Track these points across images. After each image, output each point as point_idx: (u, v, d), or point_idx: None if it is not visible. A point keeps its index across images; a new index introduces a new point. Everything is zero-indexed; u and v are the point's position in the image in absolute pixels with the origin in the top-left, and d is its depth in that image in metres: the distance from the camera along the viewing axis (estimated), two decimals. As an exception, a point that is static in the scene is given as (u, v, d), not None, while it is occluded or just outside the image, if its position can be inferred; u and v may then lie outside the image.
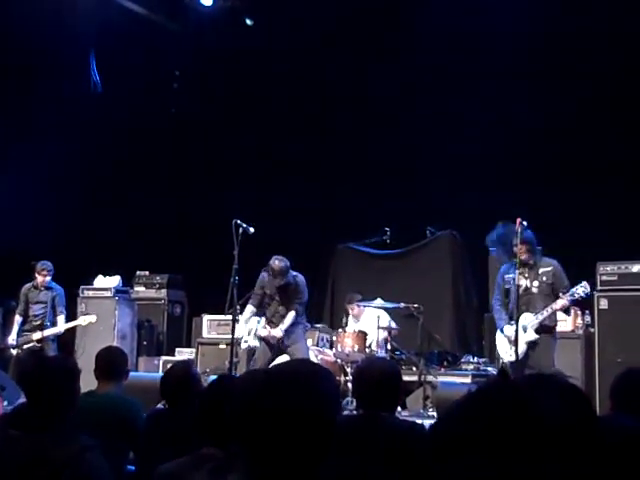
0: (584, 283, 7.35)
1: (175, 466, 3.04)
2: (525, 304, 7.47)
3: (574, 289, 7.33)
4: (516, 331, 7.23)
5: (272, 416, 1.85)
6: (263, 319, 8.78)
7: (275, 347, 8.60)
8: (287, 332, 8.55)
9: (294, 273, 8.60)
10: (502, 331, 7.68)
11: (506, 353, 7.67)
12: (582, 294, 7.33)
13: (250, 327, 8.94)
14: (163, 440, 3.79)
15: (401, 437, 3.53)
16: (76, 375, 3.63)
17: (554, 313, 7.49)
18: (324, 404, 1.92)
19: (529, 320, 7.41)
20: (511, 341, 7.52)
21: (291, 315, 8.54)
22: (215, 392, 3.24)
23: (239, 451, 1.92)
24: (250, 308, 8.76)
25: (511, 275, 7.62)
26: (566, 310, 7.57)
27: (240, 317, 8.64)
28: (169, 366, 4.96)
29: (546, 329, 7.48)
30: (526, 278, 7.51)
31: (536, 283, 7.52)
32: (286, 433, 1.85)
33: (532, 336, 7.41)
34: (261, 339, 8.71)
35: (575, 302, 7.63)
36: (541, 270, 7.55)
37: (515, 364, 7.40)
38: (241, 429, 1.90)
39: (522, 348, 7.41)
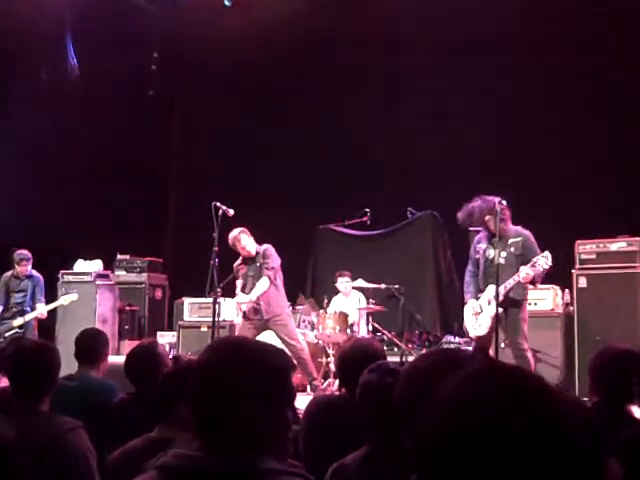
0: (546, 253, 7.19)
1: (127, 451, 3.08)
2: (492, 276, 7.26)
3: (536, 259, 7.15)
4: (496, 302, 7.12)
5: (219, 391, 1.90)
6: (240, 295, 8.76)
7: (256, 322, 8.57)
8: (266, 304, 8.52)
9: (259, 246, 8.68)
10: (467, 303, 7.59)
11: (472, 327, 7.57)
12: (544, 265, 7.13)
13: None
14: (130, 423, 3.79)
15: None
16: (53, 359, 3.64)
17: (520, 286, 7.30)
18: (268, 378, 1.94)
19: (492, 293, 7.24)
20: (476, 314, 7.49)
21: (263, 281, 8.50)
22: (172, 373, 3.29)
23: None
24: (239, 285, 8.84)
25: (482, 245, 7.54)
26: (531, 281, 7.37)
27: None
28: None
29: (513, 303, 7.33)
30: (495, 249, 7.34)
31: (504, 254, 7.33)
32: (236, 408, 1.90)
33: (493, 310, 7.23)
34: (243, 315, 8.67)
35: (543, 274, 7.30)
36: (510, 241, 7.39)
37: (482, 338, 7.39)
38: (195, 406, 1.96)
39: (487, 322, 7.31)
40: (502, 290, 7.22)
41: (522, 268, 7.21)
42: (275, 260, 8.61)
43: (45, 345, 3.84)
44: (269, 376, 1.95)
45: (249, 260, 8.69)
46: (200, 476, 1.85)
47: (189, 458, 1.90)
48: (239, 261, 8.78)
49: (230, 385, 1.90)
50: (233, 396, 1.90)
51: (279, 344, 7.92)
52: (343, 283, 10.25)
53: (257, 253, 8.63)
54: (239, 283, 8.81)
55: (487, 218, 7.37)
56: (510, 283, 7.26)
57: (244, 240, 8.57)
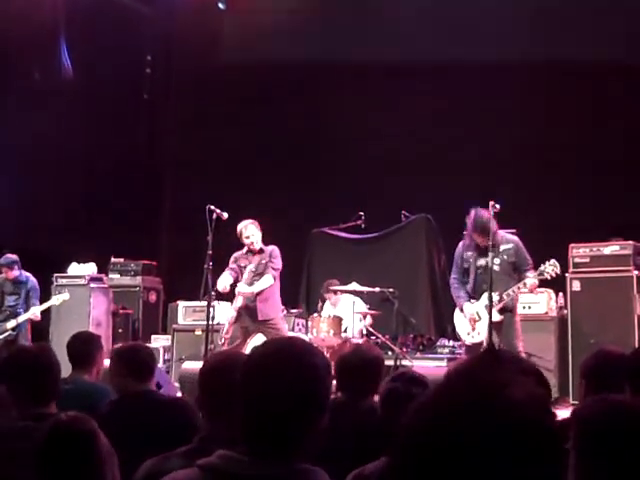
0: (553, 261, 7.21)
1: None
2: (486, 283, 7.21)
3: (543, 267, 7.19)
4: (490, 312, 7.08)
5: (273, 397, 1.89)
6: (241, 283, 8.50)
7: (248, 324, 8.41)
8: (262, 303, 8.37)
9: (267, 246, 8.56)
10: (462, 310, 7.52)
11: (467, 334, 7.53)
12: (552, 273, 7.19)
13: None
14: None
15: (377, 421, 3.55)
16: (50, 365, 3.61)
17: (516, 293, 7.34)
18: (320, 380, 1.96)
19: (492, 300, 7.16)
20: (472, 321, 7.46)
21: (267, 277, 8.38)
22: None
23: (208, 435, 1.95)
24: (227, 275, 8.48)
25: (470, 253, 7.48)
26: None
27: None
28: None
29: (508, 309, 7.35)
30: (485, 257, 7.28)
31: (497, 261, 7.28)
32: (286, 412, 1.89)
33: (496, 317, 7.21)
34: (242, 309, 8.43)
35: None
36: (502, 248, 7.34)
37: (478, 345, 7.36)
38: (246, 410, 1.96)
39: (485, 329, 7.24)
40: (505, 298, 7.24)
41: (528, 275, 7.24)
42: (280, 262, 8.51)
43: (44, 347, 3.82)
44: (319, 382, 1.96)
45: (252, 254, 8.51)
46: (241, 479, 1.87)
47: (234, 460, 1.91)
48: (242, 252, 8.56)
49: (283, 391, 1.90)
50: (286, 402, 1.90)
51: None
52: (332, 298, 10.23)
53: (262, 250, 8.48)
54: (227, 273, 8.50)
55: (481, 234, 7.30)
56: (514, 291, 7.28)
57: (250, 230, 8.40)
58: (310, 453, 1.97)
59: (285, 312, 10.39)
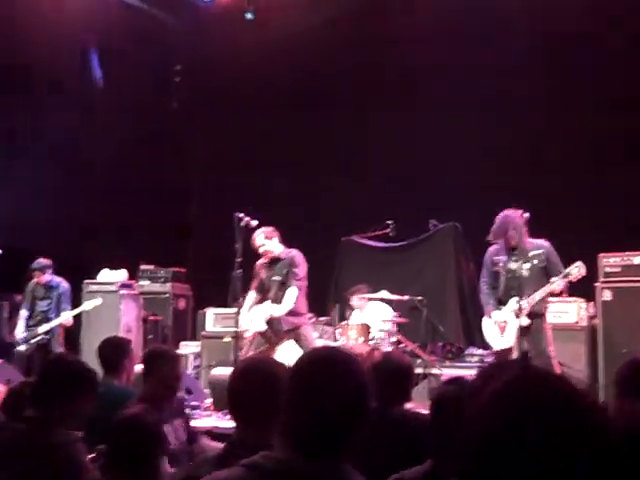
0: (579, 263, 7.11)
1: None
2: (515, 288, 7.16)
3: (568, 269, 7.09)
4: (517, 315, 7.08)
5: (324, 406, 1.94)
6: (267, 302, 8.40)
7: (270, 337, 8.29)
8: (287, 314, 8.21)
9: (288, 250, 8.44)
10: (490, 316, 7.46)
11: (496, 340, 7.46)
12: (578, 275, 7.08)
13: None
14: None
15: (408, 428, 3.56)
16: (80, 378, 3.64)
17: (545, 298, 7.28)
18: (365, 387, 2.03)
19: (520, 305, 7.13)
20: (501, 328, 7.41)
21: (290, 292, 8.21)
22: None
23: (239, 438, 1.98)
24: (252, 294, 8.48)
25: (501, 257, 7.43)
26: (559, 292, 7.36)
27: (243, 309, 8.43)
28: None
29: (538, 315, 7.27)
30: (516, 261, 7.25)
31: (527, 266, 7.25)
32: (332, 422, 1.95)
33: (525, 321, 7.16)
34: (267, 323, 8.30)
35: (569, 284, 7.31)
36: (532, 253, 7.29)
37: (506, 351, 7.30)
38: (292, 417, 2.00)
39: (513, 335, 7.18)
40: (531, 302, 7.17)
41: (554, 280, 7.15)
42: (304, 268, 8.35)
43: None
44: (364, 388, 2.03)
45: (273, 261, 8.42)
46: (288, 479, 1.92)
47: (278, 461, 1.95)
48: (264, 261, 8.48)
49: (333, 399, 1.95)
50: (336, 410, 1.95)
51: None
52: (356, 301, 10.22)
53: (280, 258, 8.37)
54: (252, 297, 8.46)
55: (511, 233, 7.28)
56: (540, 294, 7.20)
57: (259, 240, 8.27)
58: (349, 457, 2.02)
59: (314, 319, 10.42)
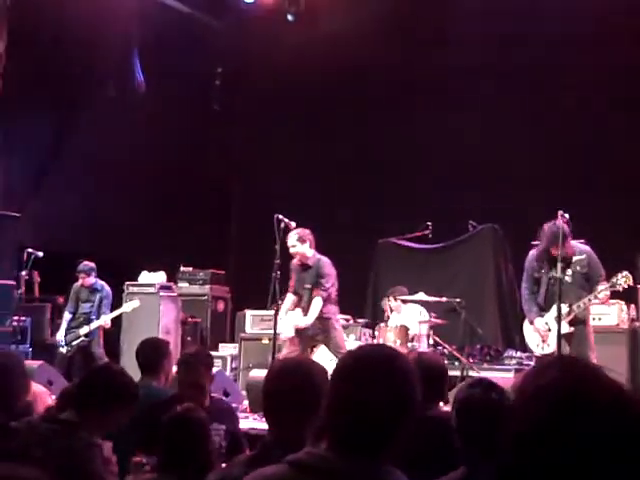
0: (626, 273, 7.05)
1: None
2: (557, 294, 7.05)
3: (615, 279, 7.04)
4: (558, 323, 6.96)
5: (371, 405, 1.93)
6: (299, 310, 8.50)
7: (300, 342, 8.37)
8: (315, 319, 8.27)
9: (318, 256, 8.46)
10: (532, 323, 7.40)
11: (537, 346, 7.41)
12: (624, 284, 7.04)
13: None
14: None
15: (442, 429, 3.55)
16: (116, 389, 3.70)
17: (588, 305, 7.23)
18: (411, 384, 2.01)
19: (563, 311, 7.05)
20: (542, 334, 7.36)
21: (315, 303, 8.27)
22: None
23: (274, 439, 1.99)
24: (290, 297, 8.58)
25: (541, 263, 7.35)
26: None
27: (281, 312, 8.49)
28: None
29: (580, 321, 7.23)
30: (557, 267, 7.10)
31: (569, 272, 7.19)
32: (381, 419, 1.94)
33: (567, 328, 7.11)
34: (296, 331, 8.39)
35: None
36: (574, 259, 7.23)
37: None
38: (335, 417, 1.99)
39: (554, 341, 7.09)
40: (576, 309, 7.13)
41: (601, 288, 7.10)
42: (331, 278, 8.38)
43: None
44: (410, 386, 2.00)
45: (304, 266, 8.47)
46: (331, 476, 1.92)
47: (322, 458, 1.96)
48: (296, 261, 8.53)
49: (377, 397, 1.94)
50: (380, 408, 1.94)
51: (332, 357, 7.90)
52: (393, 302, 10.20)
53: (309, 266, 8.43)
54: (289, 301, 8.56)
55: (555, 248, 7.17)
56: (585, 302, 7.15)
57: (291, 240, 8.31)
58: (395, 456, 2.01)
59: (352, 321, 10.43)
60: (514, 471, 1.21)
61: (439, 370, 3.82)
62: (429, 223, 11.21)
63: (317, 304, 8.29)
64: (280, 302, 8.41)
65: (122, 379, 3.75)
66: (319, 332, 8.38)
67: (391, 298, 10.17)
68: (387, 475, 1.98)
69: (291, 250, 8.40)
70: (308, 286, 8.42)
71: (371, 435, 1.94)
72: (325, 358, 7.74)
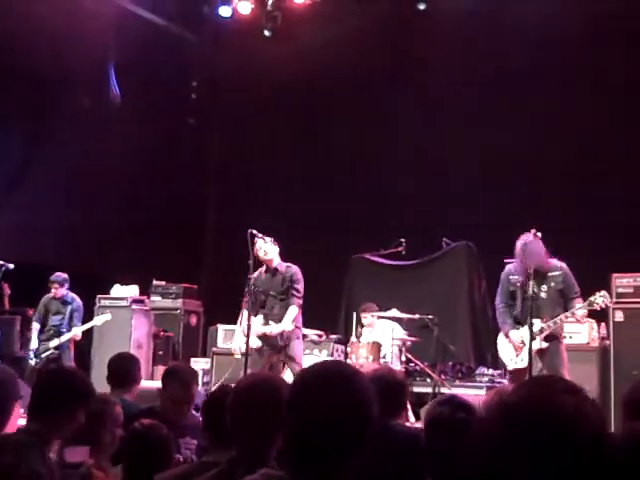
0: (604, 292, 7.10)
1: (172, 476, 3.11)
2: (532, 310, 7.08)
3: (593, 298, 7.08)
4: (531, 337, 6.98)
5: (316, 418, 1.90)
6: (260, 316, 8.35)
7: (267, 353, 8.26)
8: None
9: (287, 264, 8.42)
10: (507, 336, 7.44)
11: (511, 360, 7.44)
12: (602, 304, 7.08)
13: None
14: None
15: (407, 444, 3.53)
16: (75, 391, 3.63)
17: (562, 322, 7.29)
18: (362, 403, 1.96)
19: (538, 327, 7.10)
20: (516, 347, 7.40)
21: (292, 310, 8.22)
22: (217, 400, 3.30)
23: (239, 456, 1.96)
24: (245, 313, 8.19)
25: (517, 277, 7.40)
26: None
27: (237, 327, 8.39)
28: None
29: (554, 337, 7.27)
30: (532, 282, 7.16)
31: (544, 288, 7.25)
32: (327, 434, 1.90)
33: (542, 344, 7.16)
34: (261, 338, 8.25)
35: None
36: (549, 274, 7.29)
37: (521, 371, 7.25)
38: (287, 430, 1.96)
39: (527, 356, 7.10)
40: (552, 325, 7.17)
41: (578, 306, 7.15)
42: (303, 285, 8.35)
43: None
44: (366, 405, 1.97)
45: (272, 275, 8.40)
46: None
47: (277, 478, 1.95)
48: (261, 273, 8.40)
49: (332, 414, 1.90)
50: (334, 425, 1.90)
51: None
52: (367, 318, 10.20)
53: (279, 270, 8.35)
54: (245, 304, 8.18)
55: (530, 261, 7.22)
56: (561, 319, 7.20)
57: (267, 245, 8.25)
58: (349, 475, 1.98)
59: (324, 337, 10.41)
60: None
61: (397, 385, 3.81)
62: (403, 240, 11.22)
63: (293, 312, 8.24)
64: (253, 317, 8.32)
65: (74, 379, 3.69)
66: (286, 339, 8.27)
67: (367, 315, 10.16)
68: None
69: (264, 255, 8.30)
70: (275, 293, 8.31)
71: (327, 454, 1.90)
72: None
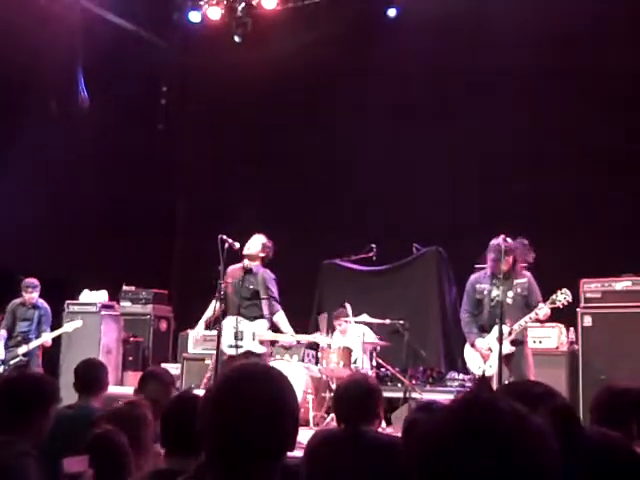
0: (565, 290, 7.21)
1: None
2: (498, 316, 7.17)
3: (555, 296, 7.20)
4: (500, 342, 7.04)
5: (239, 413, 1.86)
6: (264, 321, 8.20)
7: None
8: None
9: (262, 267, 8.37)
10: (473, 345, 7.54)
11: (478, 368, 7.53)
12: (564, 301, 7.19)
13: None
14: None
15: (380, 451, 3.54)
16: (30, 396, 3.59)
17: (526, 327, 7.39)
18: (285, 399, 1.93)
19: (506, 331, 7.18)
20: (483, 355, 7.47)
21: (282, 318, 8.19)
22: (179, 406, 3.27)
23: (207, 463, 1.94)
24: (214, 303, 8.24)
25: (484, 285, 7.51)
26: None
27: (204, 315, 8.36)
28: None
29: (518, 342, 7.38)
30: (499, 289, 7.28)
31: (510, 294, 7.36)
32: (252, 431, 1.86)
33: (508, 348, 7.26)
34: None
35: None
36: (516, 281, 7.41)
37: (489, 378, 7.31)
38: (211, 432, 1.91)
39: (496, 362, 7.16)
40: (517, 328, 7.27)
41: (541, 306, 7.24)
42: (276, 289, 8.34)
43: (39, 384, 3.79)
44: (277, 405, 1.92)
45: (246, 272, 8.37)
46: None
47: None
48: (238, 270, 8.37)
49: (241, 414, 1.87)
50: (244, 426, 1.86)
51: None
52: (342, 325, 10.19)
53: (257, 271, 8.35)
54: (213, 304, 8.19)
55: (504, 260, 7.29)
56: (526, 321, 7.29)
57: (259, 242, 8.33)
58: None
59: (296, 343, 10.37)
60: None
61: (372, 391, 3.82)
62: (373, 245, 11.26)
63: (283, 317, 8.25)
64: (223, 323, 8.29)
65: (36, 383, 3.66)
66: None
67: (341, 322, 10.14)
68: None
69: (249, 250, 8.28)
70: (247, 293, 8.23)
71: (242, 461, 1.85)
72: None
